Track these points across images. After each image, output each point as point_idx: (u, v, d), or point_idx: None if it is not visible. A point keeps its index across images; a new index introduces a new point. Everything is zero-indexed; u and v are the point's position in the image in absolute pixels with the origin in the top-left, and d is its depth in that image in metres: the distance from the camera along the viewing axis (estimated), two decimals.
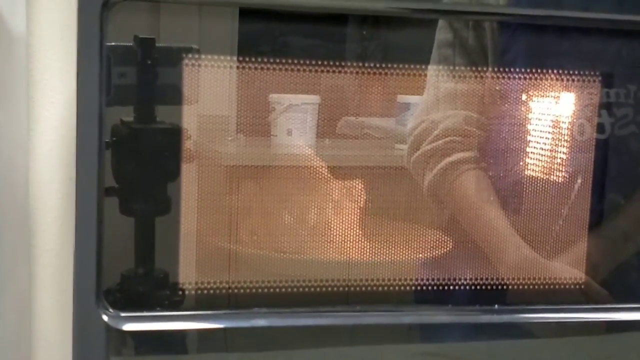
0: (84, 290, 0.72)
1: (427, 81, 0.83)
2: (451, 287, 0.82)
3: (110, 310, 0.73)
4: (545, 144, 0.86)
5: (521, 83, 0.83)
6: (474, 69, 0.84)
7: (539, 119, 0.86)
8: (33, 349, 0.96)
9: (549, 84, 0.83)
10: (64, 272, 0.94)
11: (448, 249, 0.84)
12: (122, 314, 0.73)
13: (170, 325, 0.75)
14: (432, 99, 0.85)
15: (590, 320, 0.85)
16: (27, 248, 0.93)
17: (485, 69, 0.84)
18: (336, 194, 0.85)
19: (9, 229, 0.86)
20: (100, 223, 0.71)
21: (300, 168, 0.85)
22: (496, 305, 0.82)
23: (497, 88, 0.84)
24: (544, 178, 0.86)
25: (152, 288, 0.76)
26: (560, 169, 0.86)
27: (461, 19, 0.85)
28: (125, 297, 0.74)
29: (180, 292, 0.76)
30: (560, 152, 0.86)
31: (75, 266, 0.72)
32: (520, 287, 0.84)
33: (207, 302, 0.76)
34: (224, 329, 0.77)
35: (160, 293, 0.76)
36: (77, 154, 0.70)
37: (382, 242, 0.83)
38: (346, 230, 0.83)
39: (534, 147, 0.86)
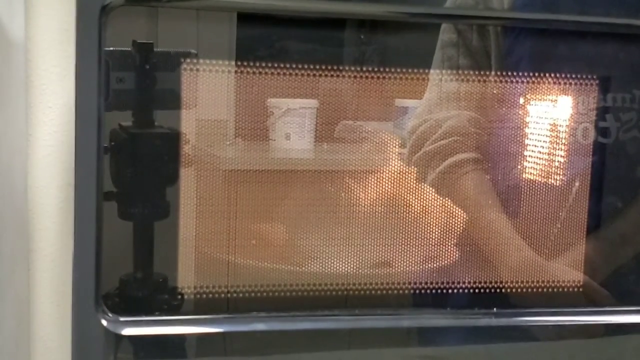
0: (82, 294, 0.72)
1: (430, 81, 0.83)
2: (450, 290, 0.82)
3: (109, 314, 0.73)
4: (548, 147, 0.86)
5: (524, 86, 0.83)
6: (477, 70, 0.84)
7: (542, 122, 0.86)
8: (32, 354, 0.96)
9: (552, 88, 0.83)
10: (63, 277, 0.94)
11: (447, 251, 0.84)
12: (121, 319, 0.73)
13: (169, 329, 0.75)
14: (435, 99, 0.85)
15: (589, 322, 0.85)
16: (25, 253, 0.93)
17: (488, 70, 0.84)
18: (334, 197, 0.85)
19: (8, 234, 0.86)
20: (99, 227, 0.71)
21: (299, 172, 0.85)
22: (495, 309, 0.82)
23: (500, 90, 0.83)
24: (546, 181, 0.86)
25: (151, 292, 0.76)
26: (562, 172, 0.86)
27: (462, 23, 0.85)
28: (124, 302, 0.74)
29: (179, 297, 0.76)
30: (562, 156, 0.86)
31: (74, 271, 0.72)
32: (519, 289, 0.84)
33: (206, 306, 0.76)
34: (223, 333, 0.77)
35: (159, 297, 0.76)
36: (76, 158, 0.70)
37: (380, 245, 0.83)
38: (344, 233, 0.83)
39: (537, 150, 0.86)
